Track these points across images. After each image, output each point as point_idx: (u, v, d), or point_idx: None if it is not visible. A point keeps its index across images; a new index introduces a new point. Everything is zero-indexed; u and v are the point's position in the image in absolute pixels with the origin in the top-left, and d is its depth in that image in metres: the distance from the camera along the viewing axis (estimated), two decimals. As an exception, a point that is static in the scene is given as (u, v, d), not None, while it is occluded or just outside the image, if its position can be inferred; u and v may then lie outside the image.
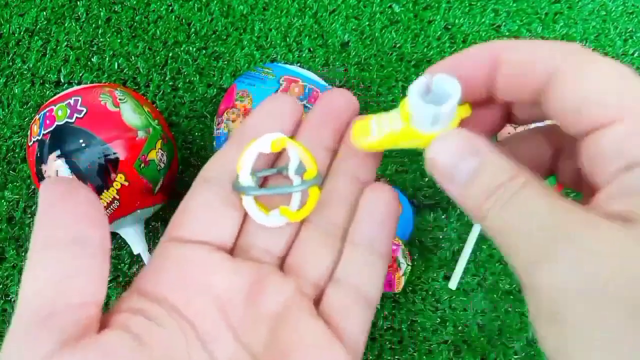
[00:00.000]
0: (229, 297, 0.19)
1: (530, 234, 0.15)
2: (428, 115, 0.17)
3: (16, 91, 0.44)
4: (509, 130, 0.34)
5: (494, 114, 0.20)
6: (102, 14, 0.45)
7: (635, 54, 0.45)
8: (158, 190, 0.36)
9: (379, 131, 0.19)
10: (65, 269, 0.16)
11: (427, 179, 0.41)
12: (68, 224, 0.17)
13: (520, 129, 0.33)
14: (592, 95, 0.15)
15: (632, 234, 0.14)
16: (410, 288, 0.39)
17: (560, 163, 0.20)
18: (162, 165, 0.35)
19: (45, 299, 0.16)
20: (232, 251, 0.21)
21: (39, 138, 0.33)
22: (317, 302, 0.20)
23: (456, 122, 0.18)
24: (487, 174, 0.16)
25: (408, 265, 0.37)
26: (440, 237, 0.40)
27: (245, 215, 0.21)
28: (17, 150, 0.42)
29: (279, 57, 0.45)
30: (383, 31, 0.45)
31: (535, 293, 0.15)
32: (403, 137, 0.18)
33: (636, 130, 0.15)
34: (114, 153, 0.33)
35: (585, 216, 0.15)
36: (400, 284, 0.36)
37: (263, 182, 0.22)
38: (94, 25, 0.45)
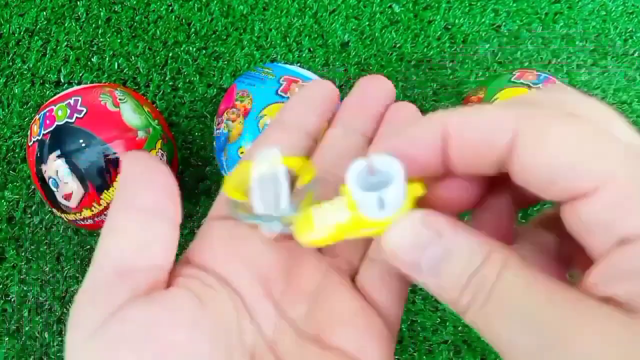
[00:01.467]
0: (270, 273, 0.19)
1: (521, 336, 0.13)
2: (372, 201, 0.15)
3: (16, 91, 0.44)
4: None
5: (466, 186, 0.17)
6: (102, 14, 0.45)
7: (636, 54, 0.45)
8: (158, 190, 0.36)
9: (323, 225, 0.16)
10: (146, 233, 0.17)
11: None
12: (150, 194, 0.18)
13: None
14: (563, 164, 0.13)
15: (636, 330, 0.12)
16: (410, 288, 0.39)
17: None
18: (162, 165, 0.35)
19: (127, 257, 0.17)
20: None
21: (39, 138, 0.33)
22: (352, 278, 0.20)
23: (410, 202, 0.15)
24: (455, 260, 0.14)
25: None
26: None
27: None
28: (17, 150, 0.42)
29: (279, 57, 0.45)
30: (383, 31, 0.45)
31: None
32: (353, 227, 0.16)
33: (622, 198, 0.13)
34: (114, 153, 0.33)
35: (579, 307, 0.13)
36: None
37: None
38: (94, 25, 0.45)
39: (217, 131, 0.36)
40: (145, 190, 0.18)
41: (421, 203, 0.16)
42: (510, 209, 0.17)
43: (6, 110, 0.43)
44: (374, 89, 0.22)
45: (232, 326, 0.17)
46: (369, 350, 0.18)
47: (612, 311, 0.12)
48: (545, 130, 0.13)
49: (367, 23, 0.46)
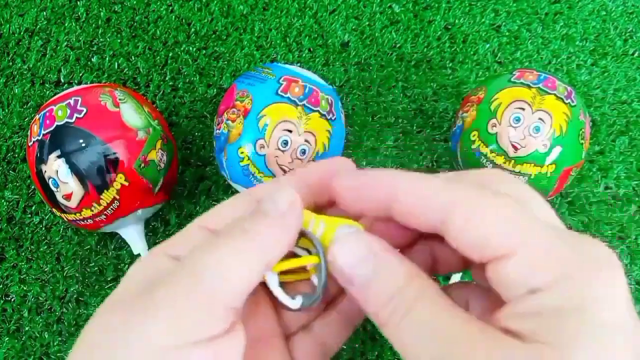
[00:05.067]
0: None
1: (430, 351, 0.16)
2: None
3: (16, 91, 0.44)
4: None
5: (402, 233, 0.21)
6: (102, 14, 0.46)
7: (636, 54, 0.45)
8: (158, 190, 0.36)
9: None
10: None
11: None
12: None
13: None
14: (485, 236, 0.17)
15: (532, 354, 0.15)
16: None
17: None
18: (162, 165, 0.35)
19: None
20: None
21: (39, 138, 0.33)
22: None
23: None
24: (382, 279, 0.18)
25: None
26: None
27: None
28: (17, 150, 0.42)
29: (279, 57, 0.45)
30: (383, 31, 0.45)
31: None
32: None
33: (531, 261, 0.16)
34: (114, 153, 0.33)
35: (483, 335, 0.16)
36: None
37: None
38: (94, 25, 0.45)
39: (217, 131, 0.36)
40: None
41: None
42: (428, 259, 0.22)
43: (6, 110, 0.43)
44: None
45: None
46: None
47: (507, 337, 0.16)
48: (475, 208, 0.17)
49: (367, 23, 0.46)
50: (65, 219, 0.35)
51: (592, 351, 0.15)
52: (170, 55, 0.44)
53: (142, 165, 0.34)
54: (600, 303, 0.16)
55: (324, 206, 0.22)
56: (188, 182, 0.41)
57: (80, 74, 0.44)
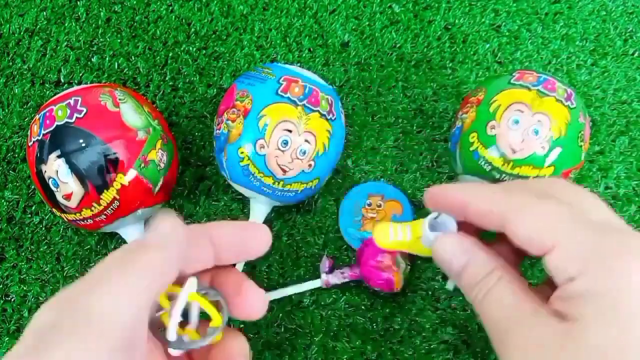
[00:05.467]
0: None
1: (498, 322, 0.22)
2: (430, 237, 0.26)
3: (16, 91, 0.44)
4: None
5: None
6: (102, 14, 0.46)
7: (636, 54, 0.45)
8: (158, 190, 0.36)
9: (396, 236, 0.27)
10: None
11: (427, 179, 0.41)
12: None
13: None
14: (532, 234, 0.22)
15: (561, 329, 0.20)
16: (410, 288, 0.39)
17: None
18: (162, 165, 0.35)
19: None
20: None
21: (39, 138, 0.33)
22: None
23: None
24: (472, 268, 0.24)
25: (407, 265, 0.37)
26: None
27: None
28: (17, 150, 0.42)
29: (279, 57, 0.45)
30: (383, 31, 0.45)
31: None
32: (411, 245, 0.27)
33: (567, 253, 0.21)
34: (114, 153, 0.33)
35: (534, 314, 0.21)
36: (399, 283, 0.36)
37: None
38: (94, 25, 0.45)
39: (217, 131, 0.36)
40: None
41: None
42: (510, 251, 0.26)
43: (6, 110, 0.43)
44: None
45: None
46: None
47: (553, 319, 0.21)
48: (525, 211, 0.22)
49: (367, 23, 0.46)
50: (65, 219, 0.35)
51: (604, 332, 0.19)
52: (170, 55, 0.44)
53: (142, 165, 0.34)
54: (617, 292, 0.19)
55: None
56: (188, 182, 0.41)
57: (80, 74, 0.44)
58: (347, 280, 0.37)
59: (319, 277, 0.38)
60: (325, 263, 0.38)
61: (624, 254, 0.20)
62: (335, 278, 0.37)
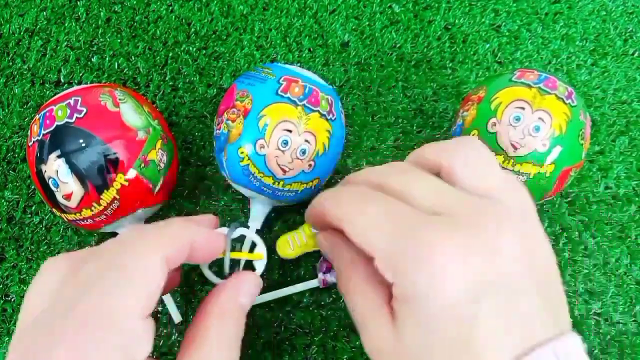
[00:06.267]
0: None
1: (354, 314, 0.25)
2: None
3: (16, 91, 0.44)
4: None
5: None
6: (102, 14, 0.46)
7: (636, 54, 0.45)
8: (158, 190, 0.36)
9: (295, 243, 0.37)
10: None
11: (427, 179, 0.41)
12: None
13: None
14: (359, 241, 0.23)
15: (390, 329, 0.22)
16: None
17: None
18: (162, 165, 0.35)
19: None
20: None
21: (39, 138, 0.33)
22: None
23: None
24: (336, 261, 0.27)
25: None
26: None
27: None
28: (17, 150, 0.42)
29: (279, 57, 0.45)
30: (383, 31, 0.45)
31: None
32: (310, 244, 0.36)
33: (384, 262, 0.22)
34: (114, 153, 0.33)
35: (376, 313, 0.23)
36: None
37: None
38: (94, 25, 0.45)
39: (217, 131, 0.36)
40: None
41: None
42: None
43: (6, 110, 0.43)
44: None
45: None
46: None
47: (387, 317, 0.23)
48: (350, 224, 0.24)
49: (367, 23, 0.46)
50: (65, 219, 0.35)
51: (414, 333, 0.21)
52: (170, 55, 0.44)
53: (142, 165, 0.34)
54: (422, 294, 0.20)
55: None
56: (188, 182, 0.41)
57: (80, 74, 0.44)
58: None
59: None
60: (322, 264, 0.37)
61: (430, 254, 0.20)
62: (333, 277, 0.37)
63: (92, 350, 0.19)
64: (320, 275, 0.37)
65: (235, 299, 0.26)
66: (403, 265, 0.21)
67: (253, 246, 0.33)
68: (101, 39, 0.45)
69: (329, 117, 0.35)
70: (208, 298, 0.26)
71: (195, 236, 0.25)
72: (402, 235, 0.21)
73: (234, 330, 0.24)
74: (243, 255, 0.33)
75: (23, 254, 0.40)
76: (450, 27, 0.46)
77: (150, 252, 0.22)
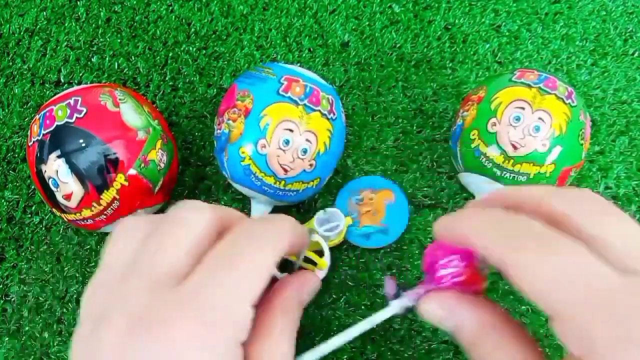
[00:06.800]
0: None
1: None
2: (324, 234, 0.36)
3: (16, 91, 0.44)
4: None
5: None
6: (102, 14, 0.45)
7: (636, 54, 0.45)
8: (158, 190, 0.36)
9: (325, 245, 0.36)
10: None
11: (427, 179, 0.41)
12: None
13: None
14: (534, 293, 0.18)
15: None
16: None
17: None
18: (162, 165, 0.35)
19: None
20: None
21: (39, 138, 0.33)
22: None
23: (343, 234, 0.38)
24: (464, 331, 0.22)
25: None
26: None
27: None
28: (17, 150, 0.42)
29: (279, 57, 0.45)
30: (383, 31, 0.45)
31: None
32: (313, 244, 0.35)
33: (571, 328, 0.17)
34: (114, 153, 0.33)
35: None
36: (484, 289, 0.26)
37: None
38: (94, 25, 0.45)
39: (218, 131, 0.36)
40: None
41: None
42: None
43: (6, 110, 0.43)
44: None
45: None
46: None
47: None
48: (522, 269, 0.18)
49: (367, 23, 0.46)
50: (65, 219, 0.35)
51: None
52: (170, 55, 0.44)
53: (142, 165, 0.34)
54: None
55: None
56: (188, 182, 0.41)
57: (80, 74, 0.44)
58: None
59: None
60: (389, 285, 0.27)
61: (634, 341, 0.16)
62: (407, 299, 0.26)
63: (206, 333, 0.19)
64: (396, 303, 0.26)
65: (299, 297, 0.26)
66: (604, 344, 0.16)
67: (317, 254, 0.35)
68: (101, 39, 0.45)
69: (329, 117, 0.35)
70: (274, 291, 0.25)
71: (295, 237, 0.24)
72: (607, 295, 0.17)
73: (295, 324, 0.24)
74: (313, 257, 0.35)
75: (23, 254, 0.40)
76: (450, 27, 0.46)
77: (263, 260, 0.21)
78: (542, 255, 0.18)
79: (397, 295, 0.26)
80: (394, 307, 0.26)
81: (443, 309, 0.22)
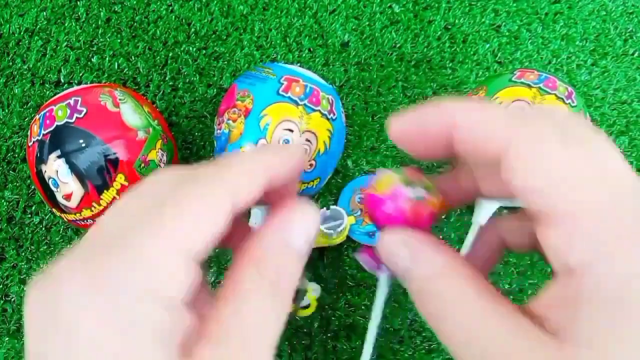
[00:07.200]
0: None
1: (454, 345, 0.16)
2: (325, 231, 0.35)
3: (16, 91, 0.44)
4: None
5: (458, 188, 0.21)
6: (102, 14, 0.45)
7: (636, 54, 0.45)
8: (158, 190, 0.36)
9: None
10: None
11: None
12: None
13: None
14: (539, 185, 0.15)
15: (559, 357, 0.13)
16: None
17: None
18: (162, 165, 0.35)
19: None
20: None
21: (39, 138, 0.33)
22: None
23: (345, 233, 0.37)
24: (419, 267, 0.18)
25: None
26: (440, 237, 0.40)
27: None
28: (17, 150, 0.42)
29: (279, 57, 0.45)
30: (383, 31, 0.45)
31: None
32: (320, 240, 0.36)
33: (572, 233, 0.14)
34: (114, 153, 0.33)
35: (513, 335, 0.15)
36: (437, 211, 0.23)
37: None
38: (94, 25, 0.45)
39: (218, 131, 0.36)
40: None
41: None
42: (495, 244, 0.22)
43: (6, 110, 0.43)
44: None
45: None
46: None
47: (541, 337, 0.14)
48: (531, 147, 0.15)
49: (367, 23, 0.46)
50: (65, 219, 0.35)
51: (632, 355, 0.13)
52: (170, 55, 0.44)
53: (142, 165, 0.34)
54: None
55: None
56: (188, 182, 0.41)
57: (80, 74, 0.44)
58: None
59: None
60: (365, 260, 0.24)
61: None
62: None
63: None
64: (382, 273, 0.23)
65: (284, 241, 0.18)
66: (614, 250, 0.13)
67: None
68: (101, 39, 0.45)
69: (329, 117, 0.35)
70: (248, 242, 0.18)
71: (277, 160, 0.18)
72: (621, 203, 0.14)
73: (278, 281, 0.18)
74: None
75: (23, 254, 0.40)
76: (450, 27, 0.46)
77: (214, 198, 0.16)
78: (563, 143, 0.15)
79: (379, 266, 0.23)
80: (384, 280, 0.24)
81: (406, 246, 0.18)
